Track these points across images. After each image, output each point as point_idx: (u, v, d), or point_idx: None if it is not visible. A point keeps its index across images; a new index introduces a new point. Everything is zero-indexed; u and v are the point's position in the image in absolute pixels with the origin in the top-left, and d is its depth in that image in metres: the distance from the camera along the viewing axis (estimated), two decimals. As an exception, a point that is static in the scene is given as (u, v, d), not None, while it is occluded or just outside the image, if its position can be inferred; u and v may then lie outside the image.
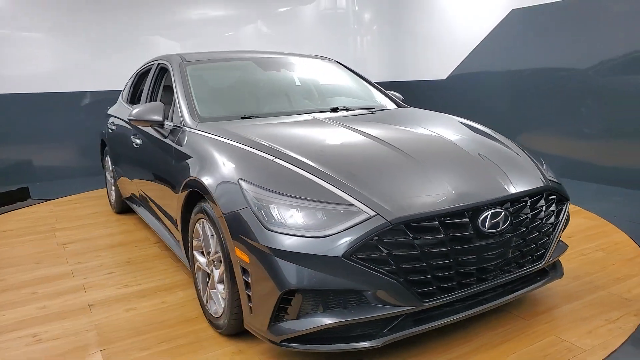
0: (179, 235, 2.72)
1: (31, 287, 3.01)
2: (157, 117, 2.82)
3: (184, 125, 2.74)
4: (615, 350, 2.08)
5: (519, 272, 2.11)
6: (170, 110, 3.12)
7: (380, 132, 2.51)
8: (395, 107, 3.37)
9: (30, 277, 3.17)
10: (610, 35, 5.07)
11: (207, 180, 2.17)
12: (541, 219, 2.17)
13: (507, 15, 6.30)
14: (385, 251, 1.78)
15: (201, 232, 2.36)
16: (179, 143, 2.65)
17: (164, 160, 2.81)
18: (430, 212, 1.85)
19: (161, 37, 6.94)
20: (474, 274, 1.95)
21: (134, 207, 4.02)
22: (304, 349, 1.86)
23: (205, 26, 7.21)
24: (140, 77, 4.27)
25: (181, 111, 2.84)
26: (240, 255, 1.93)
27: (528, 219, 2.10)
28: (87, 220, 4.48)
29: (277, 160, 2.10)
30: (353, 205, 1.84)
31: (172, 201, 2.70)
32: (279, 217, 1.85)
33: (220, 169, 2.18)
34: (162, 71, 3.60)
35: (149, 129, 3.17)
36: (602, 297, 2.56)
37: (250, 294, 1.93)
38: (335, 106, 3.09)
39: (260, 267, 1.85)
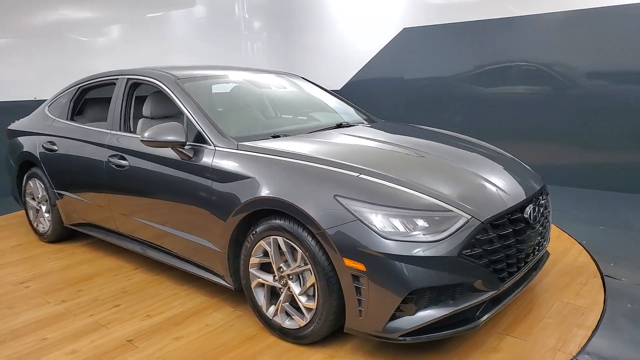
0: (216, 257, 2.70)
1: (33, 333, 2.66)
2: (180, 138, 2.73)
3: (215, 146, 2.72)
4: (604, 303, 2.75)
5: (540, 252, 2.66)
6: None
7: (409, 143, 2.86)
8: (369, 121, 3.69)
9: (18, 323, 2.78)
10: (482, 53, 6.20)
11: (294, 199, 2.26)
12: (547, 208, 2.75)
13: (399, 33, 7.10)
14: (480, 247, 2.14)
15: (270, 249, 2.43)
16: (219, 164, 2.63)
17: (193, 184, 2.74)
18: (502, 211, 2.27)
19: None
20: (523, 257, 2.43)
21: (96, 233, 3.70)
22: (422, 340, 2.12)
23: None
24: (83, 92, 3.92)
25: (204, 131, 2.80)
26: (352, 264, 2.10)
27: (546, 210, 2.67)
28: (17, 254, 3.92)
29: (362, 175, 2.31)
30: (451, 211, 2.16)
31: (207, 222, 2.67)
32: (391, 227, 2.08)
33: (305, 188, 2.29)
34: (134, 87, 3.42)
35: (149, 150, 3.02)
36: (562, 268, 3.26)
37: (363, 298, 2.12)
38: (339, 122, 3.33)
39: (380, 273, 2.05)
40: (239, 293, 2.87)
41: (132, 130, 3.36)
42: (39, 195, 4.09)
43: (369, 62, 7.46)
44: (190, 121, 2.88)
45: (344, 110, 3.80)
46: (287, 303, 2.45)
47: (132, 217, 3.27)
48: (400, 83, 7.17)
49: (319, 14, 8.10)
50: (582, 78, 5.37)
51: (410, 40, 6.96)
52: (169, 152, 2.88)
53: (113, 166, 3.27)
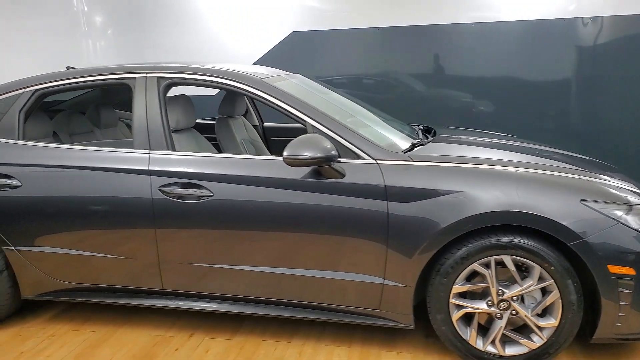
0: (391, 294, 2.23)
1: None
2: (332, 153, 2.15)
3: (374, 159, 2.22)
4: None
5: None
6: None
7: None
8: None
9: None
10: (359, 59, 6.53)
11: (538, 210, 2.03)
12: None
13: (288, 36, 6.85)
14: None
15: (487, 272, 2.13)
16: (396, 181, 2.16)
17: (349, 210, 2.19)
18: None
19: None
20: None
21: (99, 298, 2.60)
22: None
23: None
24: (40, 98, 2.68)
25: (350, 142, 2.27)
26: (619, 270, 2.02)
27: None
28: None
29: (582, 177, 2.22)
30: None
31: (377, 252, 2.19)
32: None
33: (544, 196, 2.08)
34: (167, 89, 2.54)
35: (255, 172, 2.29)
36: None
37: (626, 303, 2.05)
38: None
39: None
40: (400, 333, 2.43)
41: (171, 147, 2.46)
42: None
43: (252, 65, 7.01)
44: (320, 132, 2.29)
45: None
46: (531, 324, 2.17)
47: (206, 265, 2.41)
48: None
49: (180, 10, 7.19)
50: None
51: (299, 44, 6.81)
52: (293, 173, 2.24)
53: (172, 199, 2.34)
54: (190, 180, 2.35)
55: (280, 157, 2.32)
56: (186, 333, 2.62)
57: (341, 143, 2.26)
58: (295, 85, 2.69)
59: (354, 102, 3.09)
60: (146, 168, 2.39)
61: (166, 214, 2.37)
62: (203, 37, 6.95)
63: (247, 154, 3.12)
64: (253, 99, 2.38)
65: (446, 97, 5.37)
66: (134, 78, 2.55)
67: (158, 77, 2.52)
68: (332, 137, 2.26)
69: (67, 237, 2.51)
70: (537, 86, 4.89)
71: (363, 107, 3.05)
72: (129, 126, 3.88)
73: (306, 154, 2.11)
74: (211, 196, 2.32)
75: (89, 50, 7.26)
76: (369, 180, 2.19)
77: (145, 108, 2.49)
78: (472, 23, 5.47)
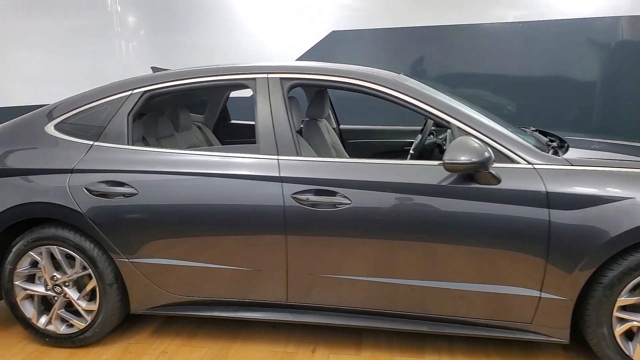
0: (551, 307, 2.10)
1: None
2: (491, 156, 2.02)
3: (530, 163, 2.09)
4: None
5: None
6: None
7: None
8: None
9: None
10: (399, 59, 6.39)
11: None
12: None
13: (327, 35, 6.71)
14: None
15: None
16: (560, 187, 2.03)
17: (505, 218, 2.06)
18: None
19: None
20: None
21: (210, 312, 2.45)
22: None
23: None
24: (149, 100, 2.52)
25: (502, 145, 2.14)
26: None
27: None
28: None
29: None
30: None
31: (535, 263, 2.06)
32: None
33: None
34: (289, 90, 2.39)
35: (399, 178, 2.16)
36: None
37: None
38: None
39: None
40: (537, 346, 2.30)
41: (300, 151, 2.32)
42: (57, 275, 2.46)
43: (290, 66, 6.85)
44: (468, 134, 2.15)
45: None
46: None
47: (339, 276, 2.27)
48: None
49: (217, 10, 7.02)
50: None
51: (339, 43, 6.67)
52: (440, 179, 2.11)
53: (306, 207, 2.20)
54: (325, 187, 2.21)
55: (423, 162, 2.21)
56: (307, 348, 2.47)
57: (493, 146, 2.12)
58: (420, 85, 2.55)
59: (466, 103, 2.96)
60: (277, 174, 2.25)
61: (299, 223, 2.22)
62: (240, 37, 6.81)
63: (335, 157, 2.98)
64: (386, 100, 2.24)
65: (488, 97, 5.23)
66: (254, 79, 2.40)
67: (281, 78, 2.38)
68: (483, 140, 2.13)
69: (185, 248, 2.36)
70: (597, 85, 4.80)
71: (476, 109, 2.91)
72: (200, 129, 3.73)
73: (463, 158, 1.98)
74: (349, 204, 2.17)
75: (121, 50, 7.11)
76: (528, 187, 2.05)
77: (270, 111, 2.34)
78: (519, 22, 5.38)
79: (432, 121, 3.14)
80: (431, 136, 3.38)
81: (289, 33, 6.68)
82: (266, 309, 2.43)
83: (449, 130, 2.67)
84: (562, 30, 5.00)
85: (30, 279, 2.54)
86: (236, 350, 2.47)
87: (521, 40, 5.23)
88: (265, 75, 2.39)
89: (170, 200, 2.32)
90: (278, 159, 2.28)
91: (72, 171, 2.40)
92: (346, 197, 2.18)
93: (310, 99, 3.25)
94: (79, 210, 2.35)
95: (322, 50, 6.55)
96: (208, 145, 3.53)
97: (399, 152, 3.68)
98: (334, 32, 6.66)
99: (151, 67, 3.17)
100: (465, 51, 5.59)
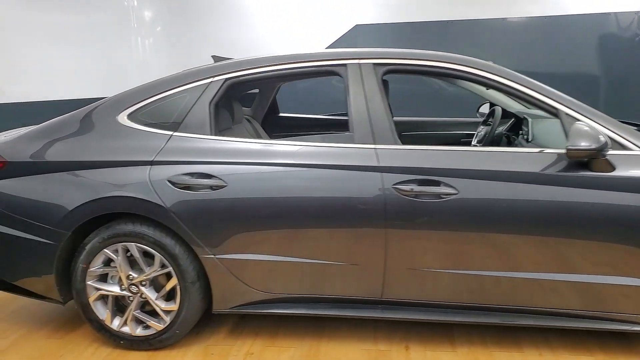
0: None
1: None
2: (608, 142, 1.94)
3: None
4: None
5: None
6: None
7: None
8: None
9: None
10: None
11: None
12: None
13: (351, 29, 6.61)
14: None
15: None
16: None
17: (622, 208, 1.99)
18: None
19: None
20: None
21: (296, 309, 2.33)
22: None
23: None
24: (230, 88, 2.39)
25: (613, 131, 2.07)
26: None
27: None
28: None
29: None
30: None
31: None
32: None
33: None
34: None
35: (506, 166, 2.07)
36: None
37: None
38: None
39: None
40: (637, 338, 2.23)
41: (397, 140, 2.22)
42: (133, 274, 2.33)
43: (313, 60, 6.74)
44: (578, 121, 2.07)
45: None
46: None
47: (440, 270, 2.17)
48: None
49: (238, 2, 6.86)
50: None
51: (362, 37, 6.58)
52: (553, 167, 2.04)
53: (409, 198, 2.10)
54: (429, 177, 2.11)
55: (538, 150, 2.12)
56: (399, 345, 2.38)
57: (606, 133, 2.04)
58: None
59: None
60: (376, 164, 2.14)
61: (401, 215, 2.12)
62: (262, 30, 6.68)
63: None
64: (487, 87, 2.16)
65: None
66: (344, 65, 2.30)
67: (374, 64, 2.27)
68: (595, 127, 2.05)
69: (275, 243, 2.24)
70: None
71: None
72: (249, 121, 3.60)
73: (584, 144, 1.90)
74: (455, 194, 2.08)
75: (137, 47, 6.93)
76: (641, 174, 1.98)
77: (364, 98, 2.23)
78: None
79: (500, 111, 3.09)
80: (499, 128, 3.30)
81: (312, 26, 6.60)
82: (356, 306, 2.32)
83: (526, 119, 2.61)
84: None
85: (103, 278, 2.40)
86: (326, 349, 2.36)
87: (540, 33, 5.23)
88: (357, 61, 2.29)
89: (262, 193, 2.20)
90: (375, 148, 2.18)
91: (152, 163, 2.27)
92: (452, 186, 2.08)
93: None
94: (162, 204, 2.22)
95: (346, 43, 6.47)
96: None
97: (454, 144, 3.60)
98: (357, 25, 6.60)
99: (212, 56, 3.04)
100: (492, 45, 5.55)
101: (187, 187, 2.23)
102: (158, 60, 6.83)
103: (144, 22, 6.73)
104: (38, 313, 2.84)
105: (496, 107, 3.15)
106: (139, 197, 2.23)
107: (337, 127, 3.87)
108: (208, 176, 2.22)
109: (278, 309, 2.35)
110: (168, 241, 2.27)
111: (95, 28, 6.21)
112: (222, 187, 2.21)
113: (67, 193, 2.31)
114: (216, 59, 2.98)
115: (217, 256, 2.26)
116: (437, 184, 2.10)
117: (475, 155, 2.16)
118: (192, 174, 2.23)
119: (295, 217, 2.20)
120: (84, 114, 2.47)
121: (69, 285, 2.42)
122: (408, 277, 2.21)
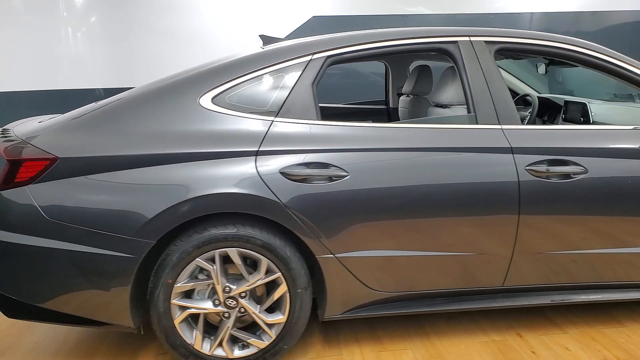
0: None
1: None
2: None
3: None
4: None
5: None
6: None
7: None
8: None
9: None
10: None
11: None
12: None
13: (307, 20, 6.40)
14: None
15: None
16: None
17: None
18: None
19: None
20: None
21: (417, 307, 2.16)
22: None
23: None
24: (330, 66, 2.14)
25: None
26: None
27: None
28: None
29: None
30: None
31: None
32: None
33: None
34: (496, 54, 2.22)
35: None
36: None
37: None
38: None
39: None
40: None
41: (519, 119, 2.15)
42: (230, 286, 1.99)
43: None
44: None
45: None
46: None
47: (568, 252, 2.14)
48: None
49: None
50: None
51: (319, 29, 6.41)
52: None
53: (543, 179, 2.04)
54: (560, 156, 2.06)
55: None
56: (511, 334, 2.31)
57: None
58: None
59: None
60: (507, 145, 2.04)
61: (535, 197, 2.05)
62: (218, 20, 6.25)
63: None
64: (600, 70, 2.16)
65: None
66: (455, 42, 2.16)
67: (486, 42, 2.17)
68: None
69: (401, 236, 2.03)
70: None
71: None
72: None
73: None
74: (585, 172, 2.06)
75: (68, 37, 6.10)
76: None
77: (483, 76, 2.12)
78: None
79: (537, 98, 3.16)
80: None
81: (268, 17, 6.36)
82: (478, 297, 2.21)
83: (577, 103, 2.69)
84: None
85: (187, 295, 2.01)
86: (442, 348, 2.21)
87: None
88: (467, 39, 2.17)
89: (387, 182, 1.98)
90: (502, 128, 2.08)
91: (257, 153, 1.93)
92: (581, 165, 2.06)
93: (411, 73, 3.06)
94: (278, 200, 1.90)
95: (302, 35, 6.26)
96: None
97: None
98: (314, 16, 6.48)
99: (259, 35, 2.73)
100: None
101: (304, 179, 1.93)
102: (92, 51, 6.05)
103: (74, 11, 5.93)
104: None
105: (531, 94, 3.22)
106: (249, 192, 1.89)
107: (371, 115, 3.71)
108: (326, 165, 1.95)
109: (395, 309, 2.15)
110: (277, 243, 1.96)
111: (18, 15, 5.31)
112: (342, 177, 1.95)
113: (147, 194, 1.88)
114: (264, 38, 2.68)
115: (337, 255, 2.00)
116: (566, 163, 2.06)
117: (601, 133, 2.16)
118: (307, 164, 1.94)
119: (421, 208, 2.02)
120: (147, 96, 2.03)
121: (139, 307, 1.99)
122: (533, 262, 2.14)
